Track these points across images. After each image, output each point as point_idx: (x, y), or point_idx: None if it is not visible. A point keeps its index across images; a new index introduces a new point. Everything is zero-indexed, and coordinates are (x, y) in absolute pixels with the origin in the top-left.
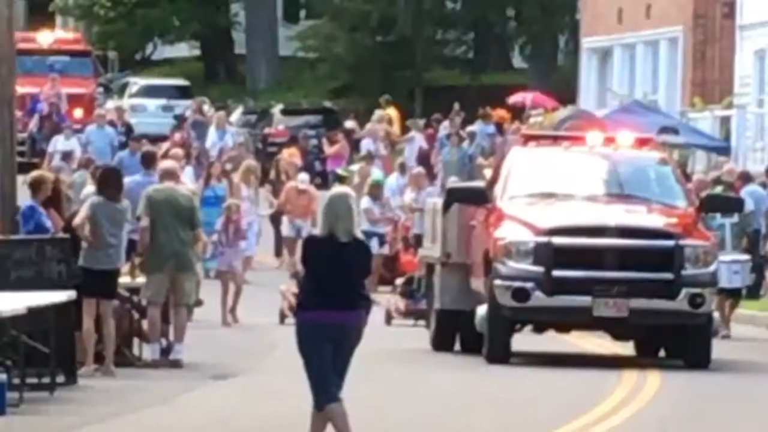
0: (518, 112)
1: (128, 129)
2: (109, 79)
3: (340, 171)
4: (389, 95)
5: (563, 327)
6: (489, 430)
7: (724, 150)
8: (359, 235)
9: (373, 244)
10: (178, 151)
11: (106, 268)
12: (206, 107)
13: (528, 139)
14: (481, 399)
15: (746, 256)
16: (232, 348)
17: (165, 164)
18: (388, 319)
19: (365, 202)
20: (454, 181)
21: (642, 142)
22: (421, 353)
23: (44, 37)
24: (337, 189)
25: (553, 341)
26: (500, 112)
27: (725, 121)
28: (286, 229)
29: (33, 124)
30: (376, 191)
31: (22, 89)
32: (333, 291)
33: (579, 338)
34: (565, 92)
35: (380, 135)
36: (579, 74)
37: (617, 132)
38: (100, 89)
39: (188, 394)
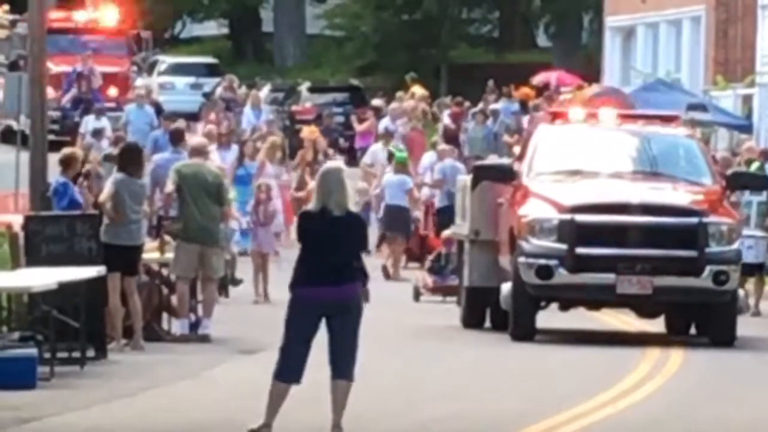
0: (543, 91)
1: (157, 108)
2: (143, 58)
3: (393, 149)
4: (415, 73)
5: (589, 304)
6: (512, 403)
7: (746, 128)
8: (353, 208)
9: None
10: (212, 128)
11: (128, 244)
12: (235, 85)
13: (555, 116)
14: (505, 374)
15: (762, 233)
16: (259, 323)
17: (194, 141)
18: (417, 295)
19: (407, 182)
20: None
21: (669, 120)
22: (447, 329)
23: (79, 16)
24: (330, 163)
25: (580, 318)
26: (525, 90)
27: (747, 100)
28: None
29: (66, 99)
30: (402, 169)
31: (57, 68)
32: (328, 266)
33: (607, 315)
34: (589, 71)
35: (417, 113)
36: (603, 53)
37: (599, 109)
38: (135, 68)
39: (216, 368)
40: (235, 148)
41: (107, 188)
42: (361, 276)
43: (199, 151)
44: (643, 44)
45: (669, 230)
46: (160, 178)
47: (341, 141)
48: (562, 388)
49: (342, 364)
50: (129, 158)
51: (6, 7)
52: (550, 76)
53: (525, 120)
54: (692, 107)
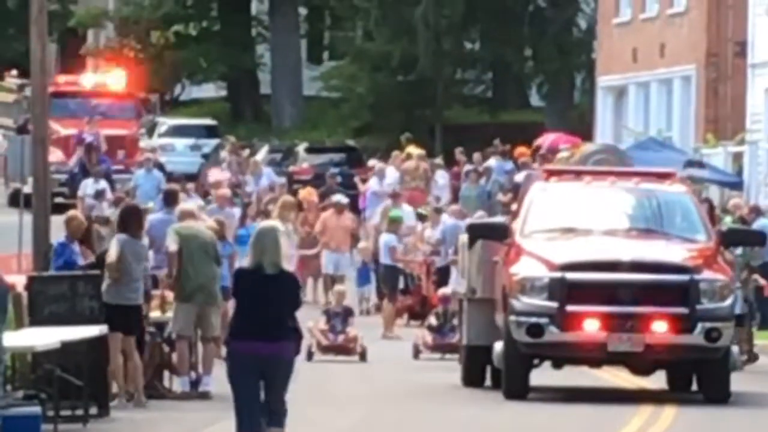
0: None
1: (160, 168)
2: (150, 120)
3: (421, 210)
4: (410, 133)
5: (581, 362)
6: None
7: (737, 185)
8: (287, 267)
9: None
10: (227, 192)
11: (130, 304)
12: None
13: (550, 174)
14: (496, 429)
15: (737, 284)
16: None
17: (183, 206)
18: (416, 353)
19: (390, 239)
20: (480, 217)
21: (664, 177)
22: (445, 387)
23: (87, 80)
24: (266, 222)
25: (578, 375)
26: (521, 150)
27: (738, 157)
28: (323, 266)
29: (73, 162)
30: (394, 227)
31: (65, 131)
32: (259, 323)
33: (605, 372)
34: (582, 130)
35: (419, 173)
36: (595, 112)
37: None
38: (143, 131)
39: (216, 425)
40: (236, 209)
41: (114, 248)
42: (293, 334)
43: (189, 215)
44: (635, 103)
45: (660, 287)
46: (154, 238)
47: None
48: None
49: (275, 415)
50: (130, 219)
51: (14, 72)
52: (548, 138)
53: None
54: (690, 164)
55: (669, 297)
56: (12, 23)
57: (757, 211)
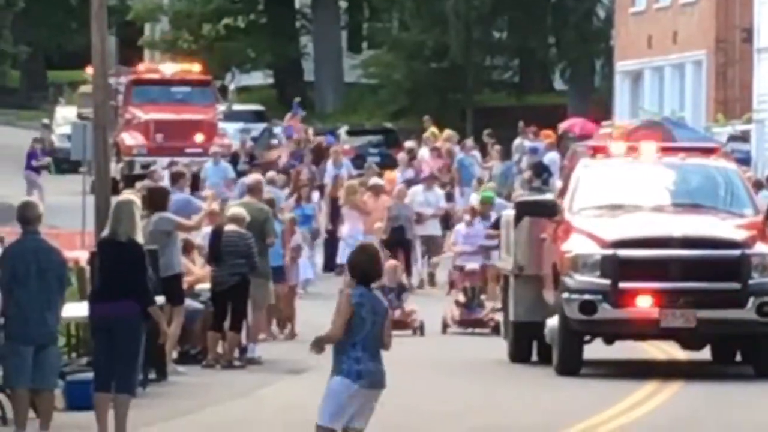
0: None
1: (233, 158)
2: (228, 106)
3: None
4: (443, 116)
5: (633, 338)
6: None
7: (745, 161)
8: (139, 239)
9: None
10: (275, 175)
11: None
12: (311, 132)
13: (596, 150)
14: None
15: None
16: (307, 346)
17: (249, 178)
18: (444, 327)
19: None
20: (524, 195)
21: (709, 151)
22: (493, 363)
23: (167, 68)
24: (124, 195)
25: (625, 349)
26: (546, 132)
27: (745, 135)
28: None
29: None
30: (485, 208)
31: (146, 116)
32: (109, 284)
33: (644, 344)
34: (601, 111)
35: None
36: (614, 95)
37: (642, 142)
38: (221, 116)
39: (266, 388)
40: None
41: None
42: (139, 296)
43: (254, 190)
44: (650, 86)
45: (711, 263)
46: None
47: None
48: (580, 402)
49: (120, 380)
50: (149, 199)
51: None
52: (576, 124)
53: (546, 158)
54: (733, 138)
55: (720, 272)
56: (74, 18)
57: (759, 185)
